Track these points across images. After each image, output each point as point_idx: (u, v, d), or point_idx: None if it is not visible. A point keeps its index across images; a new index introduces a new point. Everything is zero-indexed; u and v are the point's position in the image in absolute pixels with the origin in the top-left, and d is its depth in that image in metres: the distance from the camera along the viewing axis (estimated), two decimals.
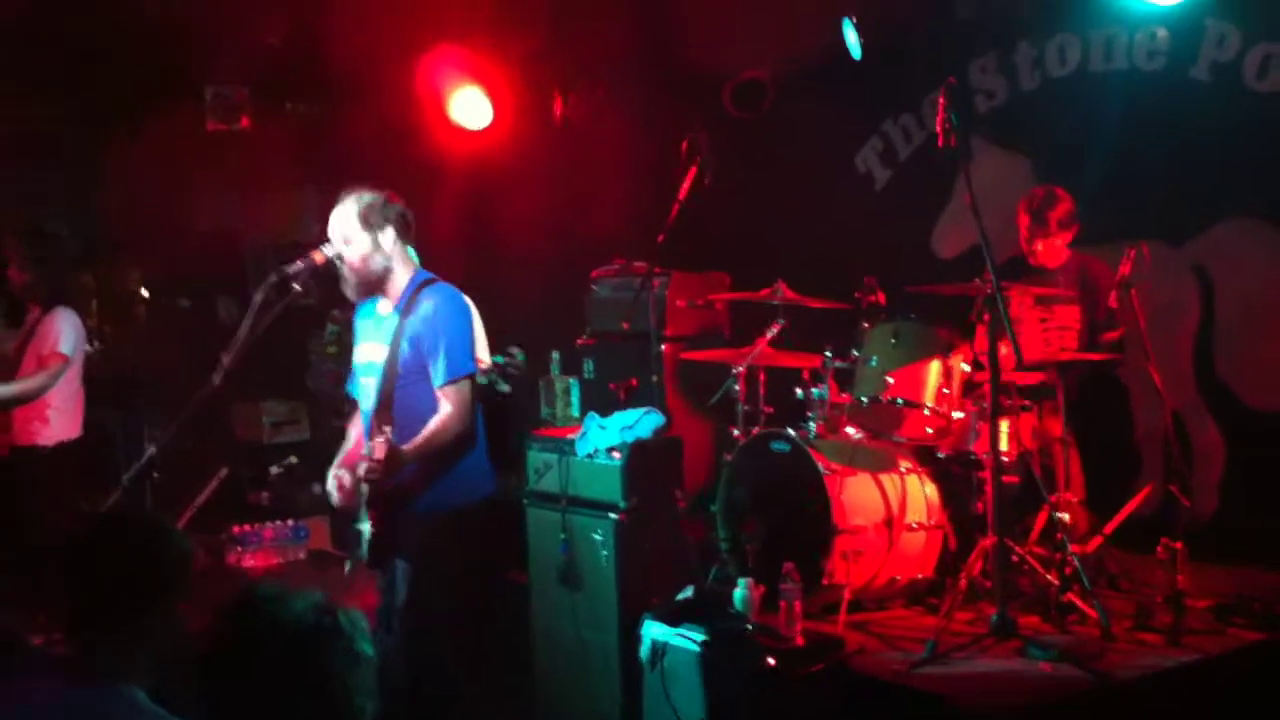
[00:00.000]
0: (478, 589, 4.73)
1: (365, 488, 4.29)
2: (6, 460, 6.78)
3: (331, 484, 4.53)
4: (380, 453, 4.18)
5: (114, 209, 8.48)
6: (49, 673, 2.82)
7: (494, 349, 6.34)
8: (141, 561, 2.74)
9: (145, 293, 9.55)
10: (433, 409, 4.43)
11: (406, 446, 4.29)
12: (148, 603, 2.72)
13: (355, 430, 4.73)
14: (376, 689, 2.28)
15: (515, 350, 6.05)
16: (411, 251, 4.75)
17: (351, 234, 4.50)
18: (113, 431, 8.24)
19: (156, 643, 2.71)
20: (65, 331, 6.85)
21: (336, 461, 4.62)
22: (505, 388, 6.23)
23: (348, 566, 4.46)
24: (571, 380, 7.20)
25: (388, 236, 4.51)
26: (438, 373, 4.41)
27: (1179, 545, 4.72)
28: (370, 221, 4.49)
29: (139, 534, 2.81)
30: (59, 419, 6.94)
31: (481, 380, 5.80)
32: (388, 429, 4.24)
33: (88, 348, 7.31)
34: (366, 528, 4.34)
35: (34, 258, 6.98)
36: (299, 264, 4.52)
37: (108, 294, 9.40)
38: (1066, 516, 5.09)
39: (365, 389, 4.59)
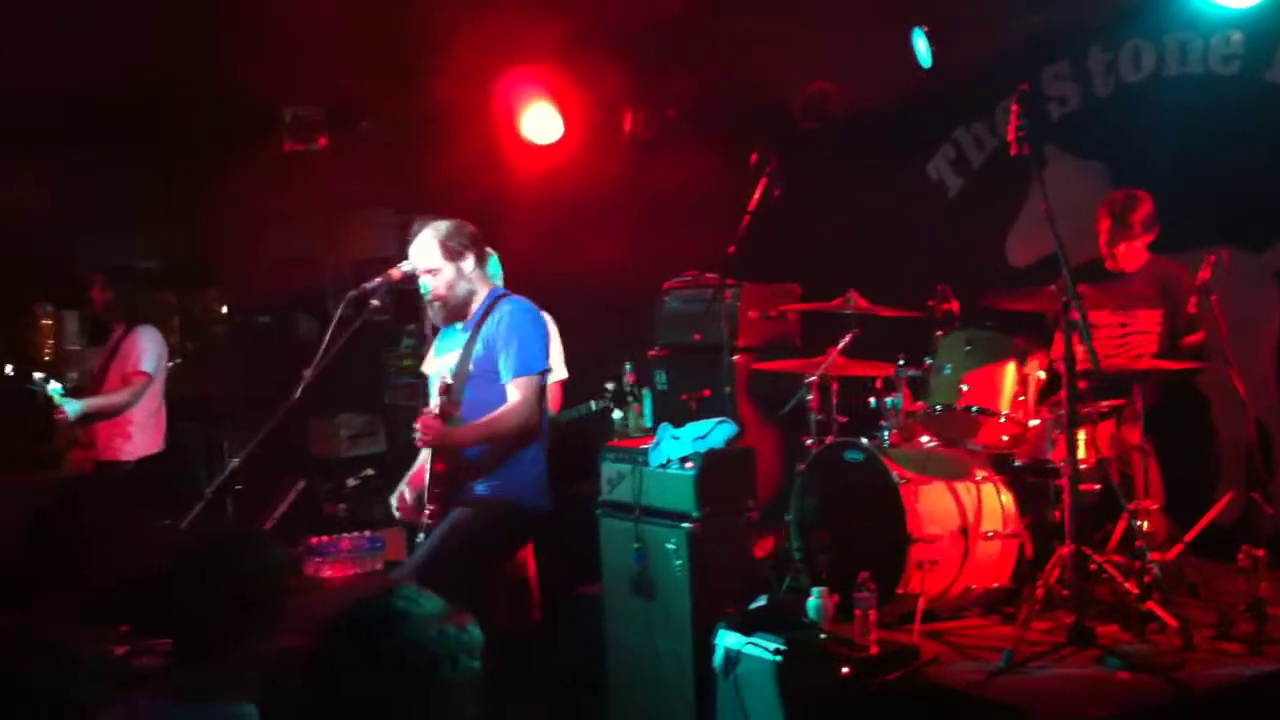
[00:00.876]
0: (487, 588, 4.79)
1: (425, 454, 4.40)
2: (92, 475, 6.95)
3: (394, 500, 4.65)
4: (438, 406, 4.30)
5: (195, 229, 8.67)
6: (146, 688, 2.88)
7: (574, 364, 6.42)
8: (248, 580, 2.80)
9: (224, 310, 9.76)
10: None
11: (467, 426, 4.39)
12: (252, 620, 2.77)
13: (422, 454, 4.82)
14: (479, 698, 2.27)
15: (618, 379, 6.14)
16: (495, 264, 4.89)
17: (435, 264, 4.70)
18: (194, 447, 8.41)
19: (259, 658, 2.76)
20: (148, 349, 7.03)
21: (405, 479, 4.73)
22: (619, 414, 6.34)
23: (364, 567, 4.59)
24: (644, 391, 7.22)
25: (469, 263, 4.71)
26: (507, 367, 4.57)
27: (1260, 553, 4.64)
28: (451, 250, 4.70)
29: (245, 553, 2.87)
30: (141, 435, 7.11)
31: (594, 407, 5.96)
32: (448, 378, 4.44)
33: (170, 365, 7.50)
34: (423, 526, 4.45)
35: (115, 278, 7.19)
36: (377, 280, 4.66)
37: (188, 313, 9.61)
38: (1145, 524, 5.01)
39: (437, 396, 4.68)
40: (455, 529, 4.54)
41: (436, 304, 4.75)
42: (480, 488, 4.57)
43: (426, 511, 4.51)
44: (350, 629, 2.24)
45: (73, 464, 7.11)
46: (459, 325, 4.81)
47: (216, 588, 2.76)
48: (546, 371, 4.70)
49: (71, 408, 6.85)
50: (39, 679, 2.68)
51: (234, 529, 3.40)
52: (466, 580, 4.45)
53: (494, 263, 6.08)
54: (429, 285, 4.73)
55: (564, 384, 6.28)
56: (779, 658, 4.56)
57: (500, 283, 6.06)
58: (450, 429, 4.48)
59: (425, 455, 4.82)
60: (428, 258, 4.72)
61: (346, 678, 2.19)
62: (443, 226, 4.75)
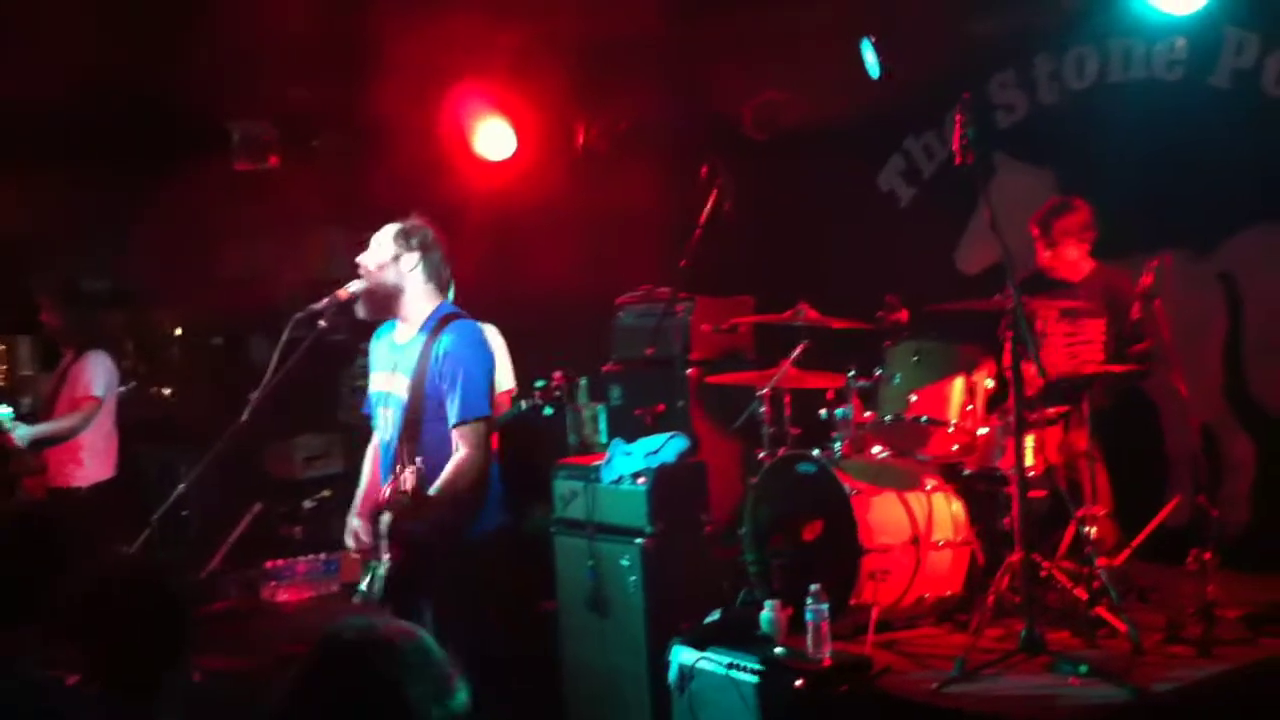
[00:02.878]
0: (499, 616, 4.71)
1: (386, 519, 4.29)
2: (44, 502, 6.88)
3: (349, 538, 4.52)
4: (410, 484, 4.12)
5: (146, 250, 8.59)
6: (88, 714, 2.86)
7: (524, 377, 6.40)
8: (165, 612, 2.79)
9: (179, 332, 9.68)
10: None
11: (432, 492, 4.25)
12: (175, 648, 2.76)
13: (370, 465, 4.74)
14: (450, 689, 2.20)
15: (558, 375, 6.10)
16: (449, 286, 4.76)
17: (381, 244, 4.56)
18: (150, 472, 8.34)
19: (177, 682, 2.75)
20: (97, 374, 6.97)
21: (354, 508, 4.62)
22: (550, 411, 6.27)
23: (355, 598, 4.45)
24: (599, 407, 7.21)
25: (410, 259, 4.53)
26: (453, 412, 4.38)
27: (1208, 556, 4.68)
28: (401, 240, 4.54)
29: (155, 581, 2.86)
30: (93, 460, 7.05)
31: (524, 406, 5.84)
32: (419, 460, 4.16)
33: (121, 389, 7.43)
34: (383, 565, 4.34)
35: (64, 300, 7.13)
36: (324, 301, 4.57)
37: (141, 335, 9.52)
38: (1094, 530, 5.04)
39: (384, 419, 4.59)
40: (442, 626, 4.41)
41: (361, 286, 4.52)
42: (445, 535, 4.43)
43: (387, 560, 4.36)
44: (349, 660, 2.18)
45: (24, 491, 7.04)
46: (393, 337, 4.65)
47: (127, 614, 2.74)
48: (490, 417, 4.48)
49: (20, 433, 6.79)
50: None
51: (143, 558, 3.38)
52: (487, 656, 4.39)
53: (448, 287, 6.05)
54: (362, 259, 4.55)
55: (510, 393, 6.25)
56: (755, 676, 4.53)
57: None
58: (421, 499, 4.28)
59: (369, 469, 4.74)
60: (379, 237, 4.57)
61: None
62: (413, 222, 4.59)
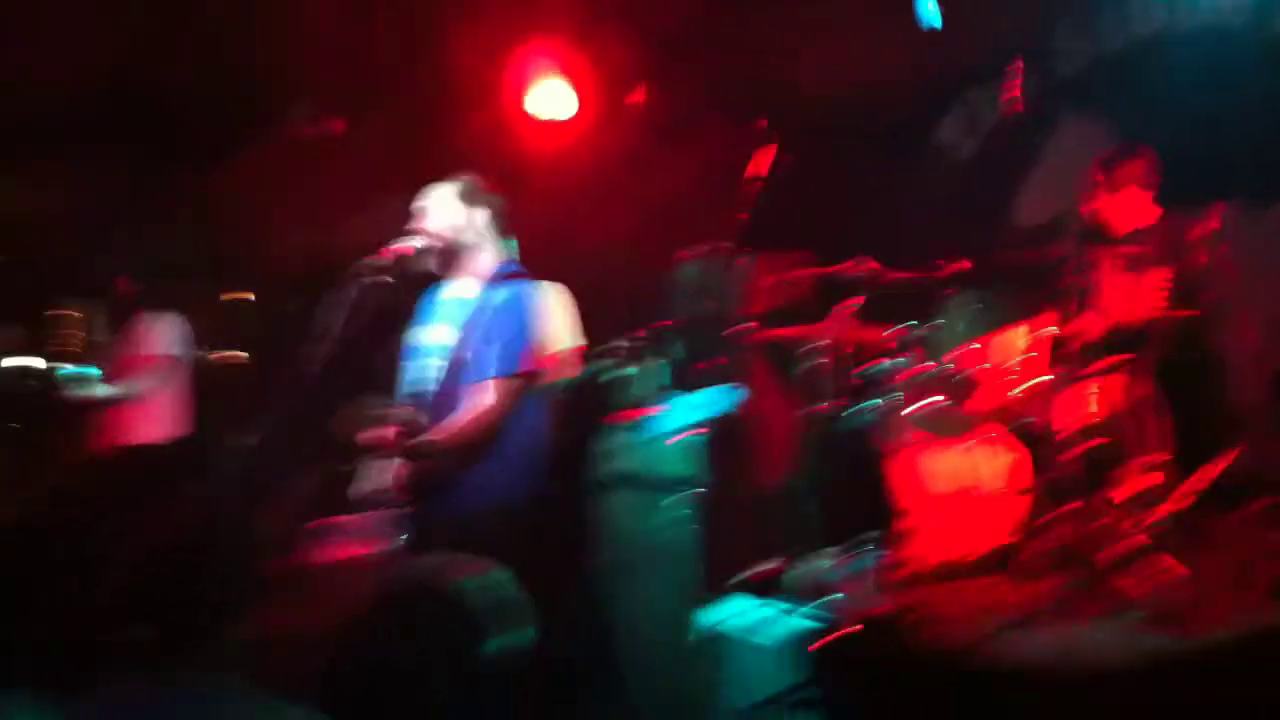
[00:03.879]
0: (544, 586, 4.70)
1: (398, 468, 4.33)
2: (116, 459, 7.01)
3: (367, 486, 4.52)
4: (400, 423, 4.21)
5: (216, 222, 8.73)
6: (137, 667, 2.91)
7: (592, 337, 6.41)
8: (230, 559, 2.82)
9: (251, 297, 9.82)
10: None
11: (439, 437, 4.28)
12: (232, 601, 2.79)
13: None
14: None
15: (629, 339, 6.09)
16: (513, 246, 4.75)
17: (446, 206, 4.56)
18: (221, 436, 8.47)
19: (243, 638, 2.78)
20: (168, 334, 7.11)
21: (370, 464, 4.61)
22: (632, 370, 6.26)
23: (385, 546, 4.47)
24: (661, 362, 7.21)
25: (481, 216, 4.56)
26: (489, 363, 4.39)
27: (1272, 503, 4.60)
28: (466, 198, 4.55)
29: (223, 534, 2.90)
30: (167, 419, 7.20)
31: (609, 364, 5.86)
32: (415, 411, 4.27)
33: (197, 353, 7.57)
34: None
35: (140, 273, 7.30)
36: (386, 257, 4.58)
37: (215, 304, 9.65)
38: (1156, 478, 4.97)
39: (426, 369, 4.60)
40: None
41: (434, 245, 4.54)
42: (463, 495, 4.43)
43: (408, 506, 4.40)
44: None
45: (89, 449, 7.17)
46: (452, 292, 4.68)
47: (195, 568, 2.78)
48: (529, 374, 4.45)
49: (100, 391, 6.96)
50: None
51: (212, 509, 3.41)
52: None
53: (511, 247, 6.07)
54: (433, 224, 4.56)
55: (582, 349, 6.27)
56: (788, 623, 4.54)
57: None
58: (415, 443, 4.31)
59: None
60: (439, 198, 4.59)
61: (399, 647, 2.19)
62: (466, 179, 4.61)
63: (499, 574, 2.25)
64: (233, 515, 3.20)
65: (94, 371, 7.02)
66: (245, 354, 9.61)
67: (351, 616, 2.25)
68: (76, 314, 9.44)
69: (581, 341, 6.22)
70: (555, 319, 5.77)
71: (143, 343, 7.13)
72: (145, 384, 7.05)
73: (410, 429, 4.20)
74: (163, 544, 3.00)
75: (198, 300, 9.25)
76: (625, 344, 6.32)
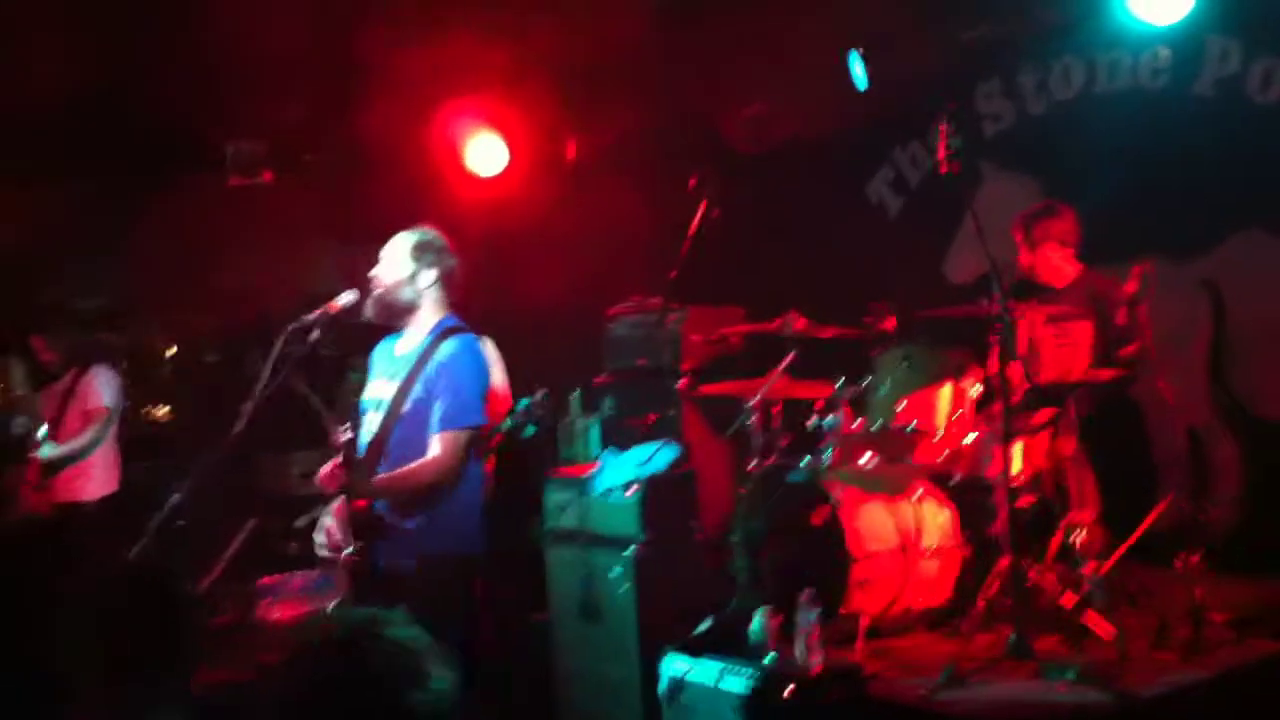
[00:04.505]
0: (482, 636, 4.69)
1: (337, 502, 4.34)
2: (50, 519, 6.91)
3: (320, 535, 4.49)
4: (341, 455, 4.21)
5: (138, 268, 8.63)
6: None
7: (521, 391, 6.42)
8: (169, 621, 2.81)
9: (173, 350, 9.71)
10: None
11: (378, 479, 4.31)
12: (168, 653, 2.77)
13: None
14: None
15: (539, 393, 6.10)
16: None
17: (397, 257, 4.57)
18: (144, 489, 8.35)
19: (180, 692, 2.76)
20: (106, 386, 7.08)
21: (327, 511, 4.56)
22: (531, 431, 6.27)
23: (329, 608, 4.45)
24: (592, 419, 7.24)
25: (428, 276, 4.56)
26: (436, 419, 4.40)
27: (1196, 559, 4.70)
28: (418, 254, 4.56)
29: (157, 589, 2.88)
30: (101, 475, 7.12)
31: (509, 424, 5.85)
32: (346, 431, 4.30)
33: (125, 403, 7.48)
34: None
35: (63, 327, 7.23)
36: (316, 313, 4.58)
37: (134, 353, 9.54)
38: (1082, 535, 5.05)
39: (368, 423, 4.60)
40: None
41: (374, 294, 4.57)
42: (409, 542, 4.42)
43: (352, 549, 4.38)
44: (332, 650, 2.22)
45: (27, 506, 7.06)
46: (395, 348, 4.68)
47: (130, 621, 2.77)
48: (478, 426, 4.50)
49: (44, 452, 6.86)
50: None
51: (145, 565, 3.38)
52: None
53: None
54: (377, 271, 4.58)
55: (512, 404, 6.28)
56: (745, 684, 4.54)
57: None
58: (357, 480, 4.32)
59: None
60: (393, 247, 4.59)
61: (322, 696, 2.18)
62: (428, 234, 4.63)
63: (413, 629, 2.27)
64: (167, 576, 3.19)
65: (43, 429, 6.94)
66: (166, 406, 9.50)
67: (278, 672, 2.25)
68: None
69: (508, 394, 6.24)
70: (495, 371, 5.80)
71: (81, 396, 7.05)
72: (89, 439, 7.00)
73: (350, 466, 4.19)
74: (103, 606, 2.98)
75: (117, 350, 9.14)
76: (531, 404, 6.34)
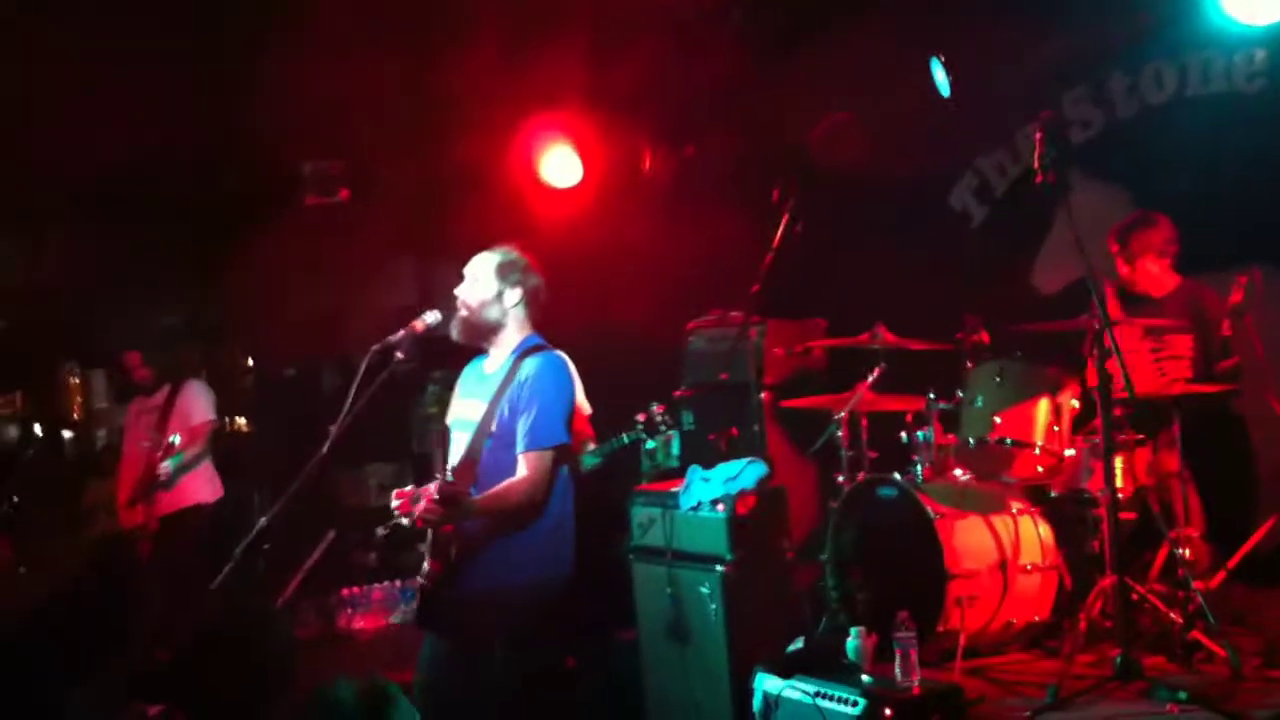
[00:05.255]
0: (558, 671, 4.63)
1: (425, 528, 4.27)
2: (166, 525, 6.97)
3: (395, 497, 4.41)
4: (437, 491, 4.13)
5: (219, 287, 8.69)
6: None
7: (596, 405, 6.36)
8: (260, 655, 2.79)
9: (250, 362, 9.77)
10: None
11: (475, 498, 4.25)
12: (264, 691, 2.75)
13: None
14: None
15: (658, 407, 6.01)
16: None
17: (481, 276, 4.52)
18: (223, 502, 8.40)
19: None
20: (204, 399, 7.32)
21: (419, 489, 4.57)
22: (653, 443, 6.19)
23: (396, 617, 4.41)
24: (673, 433, 7.16)
25: (513, 295, 4.52)
26: (521, 436, 4.35)
27: None
28: (503, 274, 4.52)
29: (256, 630, 2.86)
30: (210, 481, 7.28)
31: (626, 439, 5.81)
32: (449, 470, 4.23)
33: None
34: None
35: (150, 351, 7.35)
36: (400, 333, 4.56)
37: (215, 369, 9.62)
38: (1187, 552, 4.92)
39: (457, 443, 4.56)
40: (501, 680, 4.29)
41: (459, 314, 4.52)
42: (493, 568, 4.36)
43: (426, 567, 4.33)
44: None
45: (126, 520, 7.09)
46: (483, 367, 4.66)
47: (230, 663, 2.74)
48: (563, 445, 4.42)
49: (168, 465, 6.95)
50: None
51: (246, 607, 3.36)
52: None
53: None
54: (462, 291, 4.54)
55: (590, 418, 6.22)
56: (844, 706, 4.43)
57: None
58: (454, 504, 4.26)
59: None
60: (478, 267, 4.54)
61: None
62: (512, 254, 4.56)
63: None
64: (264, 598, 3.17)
65: (175, 437, 7.01)
66: (244, 419, 9.56)
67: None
68: (76, 380, 9.39)
69: (588, 409, 6.18)
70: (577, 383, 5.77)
71: (181, 410, 7.15)
72: (201, 449, 7.19)
73: (448, 503, 4.14)
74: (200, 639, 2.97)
75: (198, 366, 9.22)
76: (643, 416, 6.25)
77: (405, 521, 4.43)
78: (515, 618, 4.29)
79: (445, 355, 4.84)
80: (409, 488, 4.44)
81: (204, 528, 7.07)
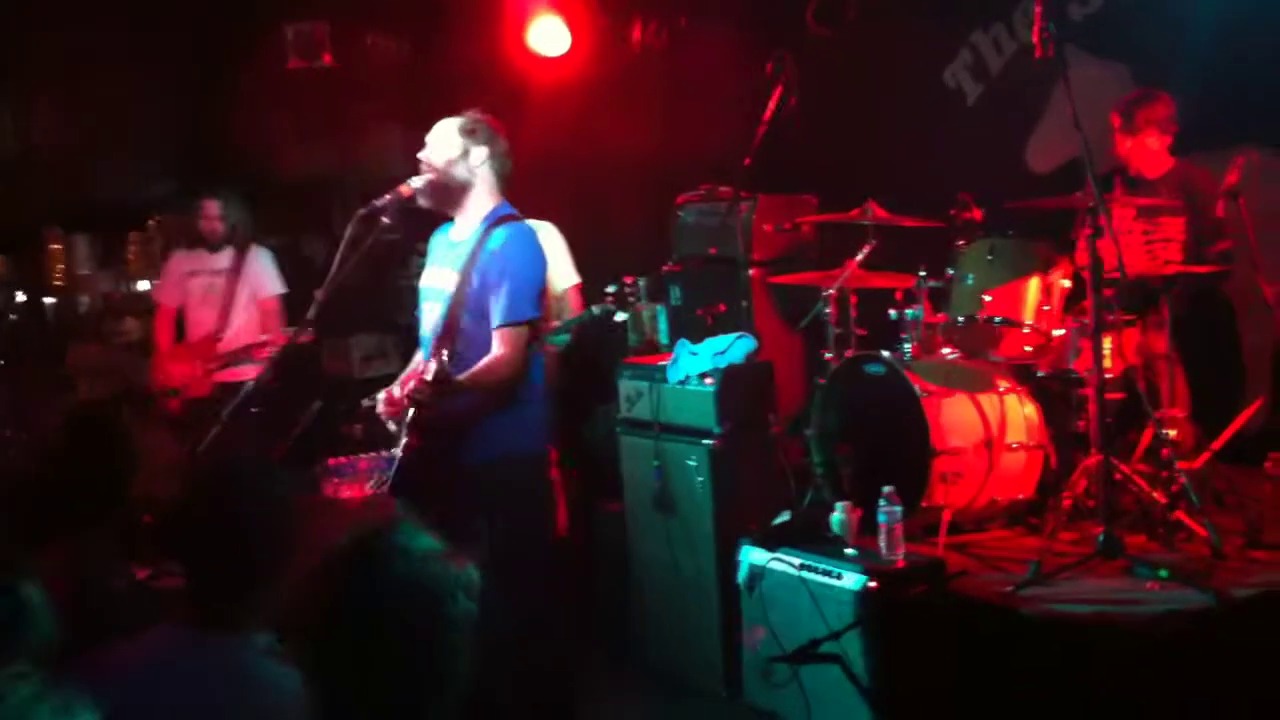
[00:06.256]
0: (548, 544, 4.65)
1: (410, 408, 4.24)
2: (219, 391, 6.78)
3: (381, 395, 4.44)
4: (432, 372, 4.07)
5: (202, 152, 8.55)
6: (171, 616, 2.85)
7: (589, 277, 6.32)
8: (259, 510, 2.78)
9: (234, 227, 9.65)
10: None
11: (460, 376, 4.19)
12: (265, 549, 2.75)
13: (418, 355, 4.68)
14: (468, 650, 2.21)
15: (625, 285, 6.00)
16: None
17: (445, 138, 4.44)
18: None
19: (275, 586, 2.73)
20: (274, 269, 7.02)
21: (397, 381, 4.56)
22: (623, 315, 6.17)
23: (371, 484, 4.42)
24: (659, 307, 7.14)
25: (479, 154, 4.42)
26: (497, 312, 4.30)
27: None
28: (468, 133, 4.43)
29: (255, 483, 2.85)
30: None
31: (596, 312, 5.78)
32: (446, 352, 4.14)
33: None
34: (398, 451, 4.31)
35: (230, 209, 7.04)
36: (386, 198, 4.48)
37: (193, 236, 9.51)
38: (1173, 433, 4.94)
39: (428, 313, 4.50)
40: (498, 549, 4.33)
41: (425, 178, 4.43)
42: (474, 454, 4.34)
43: (404, 441, 4.30)
44: (350, 565, 2.19)
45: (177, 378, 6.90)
46: (450, 234, 4.58)
47: (228, 518, 2.73)
48: (536, 319, 4.40)
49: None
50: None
51: (244, 459, 3.34)
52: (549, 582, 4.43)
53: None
54: (426, 154, 4.44)
55: (580, 288, 6.21)
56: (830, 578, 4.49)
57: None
58: (443, 385, 4.10)
59: (418, 361, 4.64)
60: (441, 130, 4.46)
61: (349, 613, 2.14)
62: (475, 115, 4.48)
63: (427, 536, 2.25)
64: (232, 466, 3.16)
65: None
66: None
67: (332, 560, 2.23)
68: (57, 245, 9.27)
69: (576, 279, 6.15)
70: (552, 258, 5.73)
71: (257, 280, 6.94)
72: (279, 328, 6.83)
73: (439, 383, 4.10)
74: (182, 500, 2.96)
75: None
76: (620, 289, 6.24)
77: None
78: (496, 493, 4.32)
79: (430, 226, 4.77)
80: (394, 387, 4.42)
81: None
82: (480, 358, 4.30)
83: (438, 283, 4.52)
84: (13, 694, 1.78)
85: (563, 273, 6.16)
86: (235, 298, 6.87)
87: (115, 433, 3.82)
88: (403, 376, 4.62)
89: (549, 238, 6.15)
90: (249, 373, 6.86)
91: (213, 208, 6.97)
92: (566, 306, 6.11)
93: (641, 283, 7.18)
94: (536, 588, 4.36)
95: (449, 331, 4.33)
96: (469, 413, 4.30)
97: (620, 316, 5.91)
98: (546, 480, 4.61)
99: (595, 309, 5.77)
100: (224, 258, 6.97)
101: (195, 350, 6.84)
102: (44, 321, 9.14)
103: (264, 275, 6.94)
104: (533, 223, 6.04)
